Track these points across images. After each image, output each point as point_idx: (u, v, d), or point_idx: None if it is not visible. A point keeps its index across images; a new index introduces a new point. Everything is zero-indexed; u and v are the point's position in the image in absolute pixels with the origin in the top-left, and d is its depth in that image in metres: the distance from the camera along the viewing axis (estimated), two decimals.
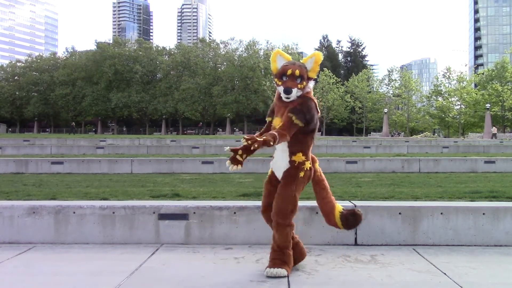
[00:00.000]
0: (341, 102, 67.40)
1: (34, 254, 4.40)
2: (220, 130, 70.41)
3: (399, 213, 4.70)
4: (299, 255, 3.86)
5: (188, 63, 73.44)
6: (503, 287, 3.48)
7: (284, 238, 3.64)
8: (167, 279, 3.62)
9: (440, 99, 66.01)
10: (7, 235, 4.78)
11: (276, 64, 3.75)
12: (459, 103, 63.56)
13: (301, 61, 3.81)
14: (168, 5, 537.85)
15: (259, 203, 4.98)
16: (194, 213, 4.74)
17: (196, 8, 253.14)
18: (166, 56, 78.10)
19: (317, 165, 3.88)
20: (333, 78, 67.74)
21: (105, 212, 4.78)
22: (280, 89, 3.62)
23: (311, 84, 3.73)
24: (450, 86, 65.19)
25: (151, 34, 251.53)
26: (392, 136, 53.16)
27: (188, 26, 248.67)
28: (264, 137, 3.41)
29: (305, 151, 3.73)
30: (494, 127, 44.37)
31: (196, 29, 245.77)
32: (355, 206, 4.76)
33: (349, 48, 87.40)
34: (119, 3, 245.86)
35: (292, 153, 3.69)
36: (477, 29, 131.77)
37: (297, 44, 73.33)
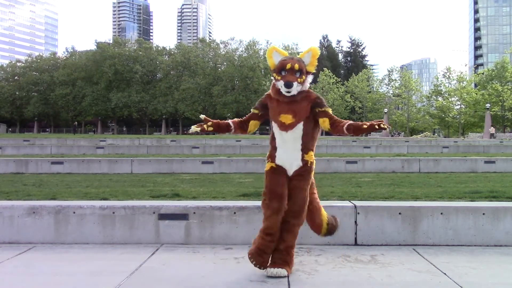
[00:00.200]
0: (341, 102, 67.37)
1: (34, 254, 4.40)
2: None
3: (399, 213, 4.70)
4: None
5: (188, 63, 73.43)
6: (503, 287, 3.48)
7: (295, 238, 3.73)
8: (167, 279, 3.62)
9: (440, 99, 66.00)
10: (7, 235, 4.78)
11: (273, 60, 3.72)
12: (459, 103, 63.56)
13: (298, 56, 3.81)
14: (168, 5, 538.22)
15: (259, 203, 4.97)
16: (194, 213, 4.74)
17: (196, 8, 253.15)
18: (166, 56, 78.06)
19: None
20: (333, 78, 67.72)
21: (105, 212, 4.79)
22: (280, 83, 3.59)
23: (310, 78, 3.71)
24: (450, 86, 65.19)
25: (151, 34, 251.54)
26: (392, 136, 53.14)
27: (188, 26, 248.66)
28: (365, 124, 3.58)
29: (314, 149, 3.77)
30: (492, 127, 44.12)
31: (196, 29, 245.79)
32: (355, 206, 4.76)
33: (349, 48, 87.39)
34: (119, 3, 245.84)
35: (304, 151, 3.67)
36: (477, 29, 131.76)
37: (297, 44, 73.23)
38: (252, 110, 3.90)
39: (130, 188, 7.99)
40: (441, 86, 66.66)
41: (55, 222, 4.78)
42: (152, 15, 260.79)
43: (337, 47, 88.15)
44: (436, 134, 66.85)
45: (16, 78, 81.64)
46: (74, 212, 4.79)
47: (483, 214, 4.68)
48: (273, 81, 3.71)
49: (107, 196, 6.41)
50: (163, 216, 4.75)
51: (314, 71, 3.74)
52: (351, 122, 3.65)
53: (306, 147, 3.68)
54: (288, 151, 3.67)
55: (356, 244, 4.66)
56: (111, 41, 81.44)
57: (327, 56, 79.23)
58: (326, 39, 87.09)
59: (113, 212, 4.78)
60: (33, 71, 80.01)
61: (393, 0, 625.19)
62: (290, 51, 64.01)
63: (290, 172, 3.68)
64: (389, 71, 71.74)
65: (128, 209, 4.79)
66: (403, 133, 63.37)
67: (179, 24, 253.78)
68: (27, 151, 18.97)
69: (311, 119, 3.68)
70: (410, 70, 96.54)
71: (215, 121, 3.70)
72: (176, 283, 3.51)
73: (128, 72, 72.96)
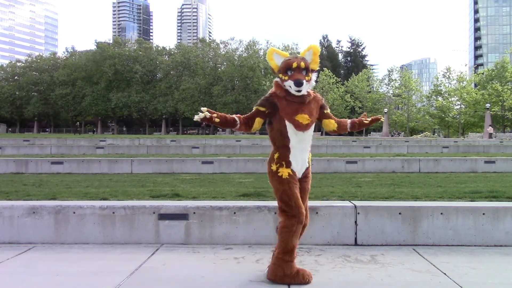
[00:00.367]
0: (341, 102, 67.38)
1: (34, 254, 4.40)
2: (220, 130, 70.35)
3: (399, 213, 4.70)
4: None
5: (188, 63, 73.44)
6: (503, 287, 3.48)
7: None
8: (167, 279, 3.62)
9: (440, 99, 66.00)
10: (7, 235, 4.78)
11: (275, 62, 3.62)
12: (459, 103, 63.56)
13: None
14: (168, 5, 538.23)
15: (259, 203, 5.00)
16: (194, 213, 4.74)
17: (196, 8, 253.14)
18: (166, 56, 78.08)
19: None
20: (333, 78, 67.72)
21: (105, 212, 4.78)
22: (289, 83, 3.48)
23: (315, 76, 3.66)
24: (450, 86, 65.19)
25: (151, 34, 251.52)
26: (392, 136, 53.14)
27: (188, 26, 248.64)
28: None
29: None
30: (490, 127, 43.87)
31: (196, 29, 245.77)
32: (355, 206, 4.76)
33: (349, 48, 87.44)
34: (119, 3, 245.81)
35: (309, 151, 3.70)
36: (477, 29, 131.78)
37: (297, 44, 73.25)
38: (256, 107, 3.61)
39: (130, 188, 7.99)
40: (441, 86, 66.67)
41: (55, 222, 4.78)
42: (152, 15, 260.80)
43: (337, 47, 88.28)
44: (436, 134, 66.85)
45: (16, 78, 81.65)
46: (74, 212, 4.79)
47: (483, 214, 4.68)
48: (278, 81, 3.61)
49: (107, 196, 6.41)
50: (163, 216, 4.75)
51: (317, 69, 3.70)
52: (350, 120, 3.81)
53: (310, 148, 3.70)
54: (303, 152, 3.61)
55: (356, 244, 4.66)
56: (111, 41, 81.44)
57: (327, 56, 79.25)
58: (326, 39, 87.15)
59: (113, 212, 4.78)
60: (33, 71, 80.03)
61: (393, 0, 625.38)
62: (290, 51, 64.04)
63: (300, 174, 3.62)
64: (389, 71, 71.78)
65: (128, 209, 4.79)
66: (403, 133, 63.37)
67: (179, 24, 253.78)
68: (27, 151, 18.96)
69: (316, 119, 3.69)
70: (410, 70, 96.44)
71: (221, 114, 3.52)
72: (176, 283, 3.51)
73: (128, 72, 72.99)
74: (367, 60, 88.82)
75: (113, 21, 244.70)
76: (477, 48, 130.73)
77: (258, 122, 3.61)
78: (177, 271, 3.82)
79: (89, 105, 73.23)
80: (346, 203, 4.90)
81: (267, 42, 75.08)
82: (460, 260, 4.11)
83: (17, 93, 79.21)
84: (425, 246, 4.57)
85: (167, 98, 71.23)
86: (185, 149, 19.47)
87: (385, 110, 57.95)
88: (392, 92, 70.74)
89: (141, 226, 4.75)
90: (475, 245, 4.61)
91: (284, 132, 3.54)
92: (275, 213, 4.53)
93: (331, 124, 3.72)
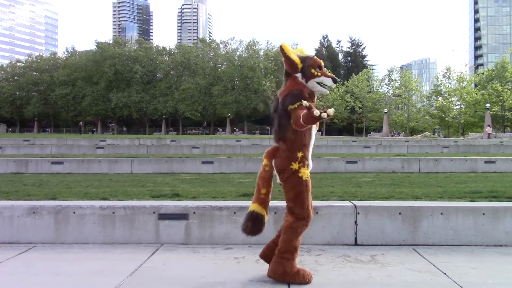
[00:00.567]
0: (341, 102, 67.34)
1: (34, 254, 4.40)
2: (220, 130, 70.38)
3: (399, 213, 4.70)
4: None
5: (188, 63, 73.43)
6: (503, 287, 3.48)
7: None
8: (167, 279, 3.62)
9: (440, 99, 65.97)
10: (7, 235, 4.78)
11: (295, 56, 3.49)
12: (459, 103, 63.51)
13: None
14: (168, 5, 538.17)
15: None
16: (194, 213, 4.74)
17: (196, 8, 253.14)
18: (166, 56, 78.05)
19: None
20: None
21: (105, 212, 4.79)
22: (323, 79, 3.46)
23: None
24: (450, 86, 65.15)
25: (151, 34, 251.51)
26: (392, 136, 53.13)
27: (188, 26, 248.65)
28: None
29: None
30: (488, 127, 43.73)
31: (196, 29, 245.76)
32: (355, 206, 4.76)
33: (349, 48, 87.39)
34: (119, 3, 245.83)
35: None
36: (477, 29, 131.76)
37: (297, 44, 73.02)
38: (300, 103, 3.30)
39: (130, 188, 7.99)
40: (441, 86, 66.62)
41: (55, 222, 4.78)
42: (152, 15, 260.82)
43: (337, 47, 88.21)
44: (436, 134, 66.82)
45: (16, 78, 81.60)
46: (74, 212, 4.79)
47: (483, 214, 4.68)
48: (298, 77, 3.47)
49: (107, 196, 6.41)
50: (163, 216, 4.75)
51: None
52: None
53: None
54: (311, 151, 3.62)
55: (356, 244, 4.66)
56: (111, 41, 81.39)
57: (327, 56, 79.17)
58: (326, 39, 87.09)
59: (113, 212, 4.78)
60: (33, 71, 79.99)
61: (393, 0, 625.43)
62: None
63: None
64: (389, 71, 71.73)
65: (128, 209, 4.79)
66: (403, 133, 63.33)
67: (179, 24, 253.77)
68: (27, 151, 18.96)
69: None
70: (410, 70, 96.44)
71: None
72: (176, 283, 3.51)
73: (128, 72, 72.97)
74: (367, 60, 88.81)
75: (113, 21, 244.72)
76: (477, 48, 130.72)
77: None
78: (177, 271, 3.82)
79: (89, 105, 73.21)
80: (346, 203, 4.90)
81: (267, 42, 75.27)
82: (460, 260, 4.11)
83: (17, 93, 79.18)
84: (425, 246, 4.58)
85: (167, 98, 71.22)
86: (185, 149, 19.47)
87: (385, 110, 57.94)
88: (392, 92, 70.73)
89: (141, 226, 4.75)
90: (475, 245, 4.62)
91: (310, 129, 3.45)
92: (275, 213, 4.54)
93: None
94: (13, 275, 3.73)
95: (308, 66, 3.47)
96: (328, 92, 3.58)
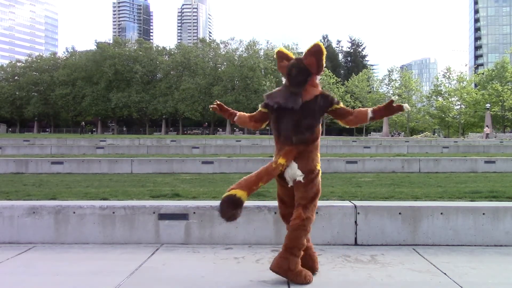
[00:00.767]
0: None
1: (34, 254, 4.40)
2: (220, 130, 70.39)
3: (399, 213, 4.70)
4: None
5: (188, 63, 73.43)
6: (503, 287, 3.48)
7: None
8: (167, 279, 3.62)
9: (440, 99, 66.01)
10: (7, 235, 4.78)
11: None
12: (459, 103, 63.56)
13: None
14: (168, 5, 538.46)
15: (259, 203, 5.00)
16: (194, 213, 4.74)
17: (196, 8, 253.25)
18: (166, 56, 78.05)
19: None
20: (333, 78, 67.69)
21: (105, 212, 4.78)
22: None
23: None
24: (450, 86, 65.19)
25: (151, 34, 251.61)
26: (392, 136, 53.13)
27: (188, 26, 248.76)
28: None
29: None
30: (487, 127, 43.65)
31: (196, 29, 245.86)
32: (355, 206, 4.76)
33: (349, 48, 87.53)
34: (119, 3, 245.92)
35: None
36: (477, 29, 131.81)
37: (297, 44, 73.24)
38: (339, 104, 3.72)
39: (130, 188, 7.98)
40: (441, 86, 66.66)
41: (55, 222, 4.78)
42: (152, 15, 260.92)
43: (337, 47, 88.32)
44: (436, 134, 66.85)
45: (16, 78, 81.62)
46: (74, 212, 4.79)
47: (483, 214, 4.68)
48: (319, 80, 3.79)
49: (107, 196, 6.40)
50: (163, 216, 4.75)
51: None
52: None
53: None
54: None
55: (356, 244, 4.66)
56: (111, 41, 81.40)
57: (327, 56, 77.96)
58: (326, 39, 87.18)
59: (113, 212, 4.78)
60: (33, 71, 79.99)
61: (393, 0, 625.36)
62: (290, 51, 63.90)
63: None
64: (389, 71, 71.76)
65: (128, 209, 4.79)
66: (403, 133, 63.36)
67: (179, 24, 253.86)
68: (27, 151, 18.96)
69: None
70: (410, 70, 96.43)
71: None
72: (176, 283, 3.51)
73: (128, 72, 72.97)
74: (367, 60, 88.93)
75: (113, 21, 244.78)
76: (477, 48, 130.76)
77: None
78: (177, 271, 3.82)
79: (89, 105, 73.21)
80: (346, 203, 4.90)
81: (267, 42, 75.19)
82: (460, 260, 4.10)
83: (17, 93, 79.19)
84: (425, 246, 4.57)
85: (167, 98, 71.22)
86: (185, 149, 19.47)
87: None
88: (392, 92, 70.71)
89: (141, 226, 4.75)
90: (475, 245, 4.61)
91: (318, 129, 3.74)
92: (275, 213, 4.54)
93: None
94: (13, 275, 3.73)
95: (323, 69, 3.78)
96: None
